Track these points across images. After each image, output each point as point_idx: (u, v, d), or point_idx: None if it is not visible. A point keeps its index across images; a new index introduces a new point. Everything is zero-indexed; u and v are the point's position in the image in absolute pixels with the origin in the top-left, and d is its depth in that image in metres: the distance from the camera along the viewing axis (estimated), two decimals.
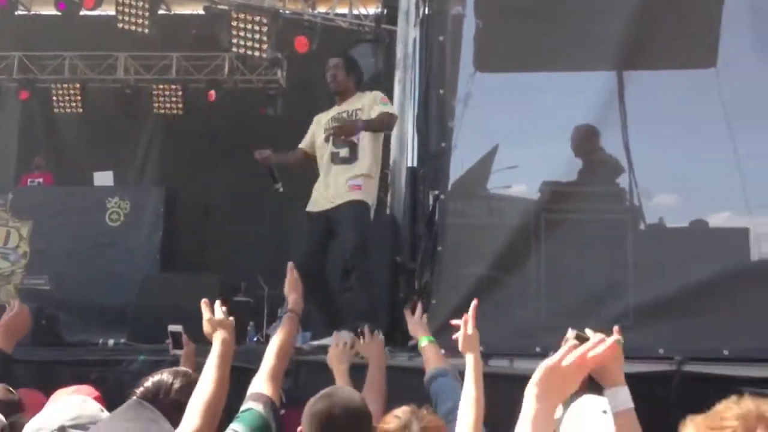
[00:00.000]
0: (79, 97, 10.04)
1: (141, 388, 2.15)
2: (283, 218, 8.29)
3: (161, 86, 10.10)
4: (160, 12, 8.97)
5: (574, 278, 4.47)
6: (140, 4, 8.49)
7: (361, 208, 4.93)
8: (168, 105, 10.11)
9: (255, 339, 6.23)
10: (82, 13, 8.83)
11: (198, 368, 2.35)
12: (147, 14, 8.54)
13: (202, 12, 8.98)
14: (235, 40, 8.85)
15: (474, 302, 2.83)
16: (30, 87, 10.06)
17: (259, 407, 2.18)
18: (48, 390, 3.13)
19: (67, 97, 10.05)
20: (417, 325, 3.40)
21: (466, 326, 2.73)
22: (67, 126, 9.88)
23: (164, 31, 9.01)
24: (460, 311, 4.54)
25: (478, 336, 2.70)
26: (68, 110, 10.03)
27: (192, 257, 8.09)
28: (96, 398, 2.38)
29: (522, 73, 5.36)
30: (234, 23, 8.57)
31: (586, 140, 4.80)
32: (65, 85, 10.03)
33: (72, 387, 2.72)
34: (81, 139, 9.53)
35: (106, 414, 1.94)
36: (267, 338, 6.41)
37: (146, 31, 8.69)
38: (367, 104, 5.04)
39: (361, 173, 4.94)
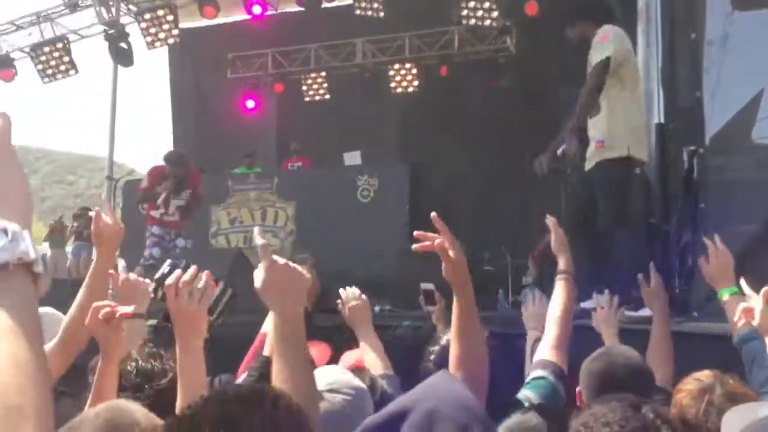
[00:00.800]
0: (325, 85, 10.84)
1: (433, 356, 2.23)
2: (526, 190, 8.25)
3: (396, 66, 10.52)
4: None
5: None
6: None
7: (609, 167, 4.65)
8: (404, 84, 10.51)
9: (505, 306, 6.33)
10: (323, 5, 9.48)
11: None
12: None
13: None
14: (464, 12, 8.93)
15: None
16: (283, 79, 11.05)
17: (549, 375, 2.19)
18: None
19: (315, 86, 10.89)
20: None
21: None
22: (317, 112, 10.68)
23: (396, 13, 9.35)
24: None
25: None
26: (317, 97, 10.86)
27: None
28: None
29: None
30: None
31: None
32: (312, 75, 10.87)
33: (354, 352, 2.92)
34: (330, 123, 10.25)
35: (358, 382, 2.07)
36: (514, 304, 6.47)
37: (381, 15, 9.09)
38: (592, 55, 4.68)
39: (602, 127, 4.65)
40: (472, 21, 9.04)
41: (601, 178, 4.67)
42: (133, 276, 2.18)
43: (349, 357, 2.85)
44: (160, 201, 7.04)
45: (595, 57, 4.62)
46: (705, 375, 2.04)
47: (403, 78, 10.54)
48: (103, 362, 1.88)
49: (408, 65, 10.51)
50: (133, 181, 10.60)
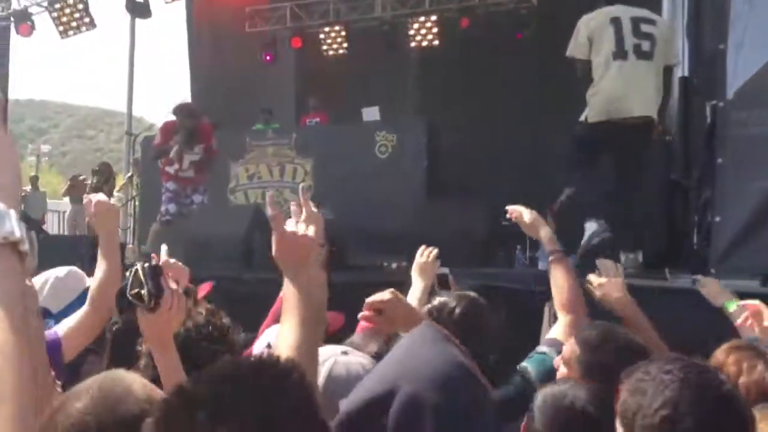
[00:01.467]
0: (344, 39, 10.71)
1: (427, 306, 2.26)
2: (545, 143, 8.19)
3: (416, 19, 10.36)
4: None
5: None
6: None
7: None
8: (424, 37, 10.36)
9: (523, 262, 6.34)
10: None
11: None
12: None
13: None
14: None
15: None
16: (301, 33, 10.93)
17: (553, 353, 2.20)
18: (344, 309, 3.50)
19: (333, 40, 10.77)
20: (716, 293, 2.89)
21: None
22: (336, 67, 10.59)
23: None
24: (749, 228, 4.22)
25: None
26: (335, 52, 10.75)
27: (456, 184, 8.36)
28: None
29: None
30: None
31: None
32: (331, 28, 10.74)
33: None
34: (348, 77, 10.17)
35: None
36: (532, 260, 6.48)
37: None
38: None
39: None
40: None
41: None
42: (173, 261, 2.18)
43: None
44: (172, 155, 7.06)
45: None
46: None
47: (423, 32, 10.38)
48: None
49: (428, 18, 10.35)
50: (152, 136, 10.63)
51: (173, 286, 1.68)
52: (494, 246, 6.40)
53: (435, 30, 10.29)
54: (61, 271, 2.71)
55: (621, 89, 5.01)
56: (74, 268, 2.77)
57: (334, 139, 8.62)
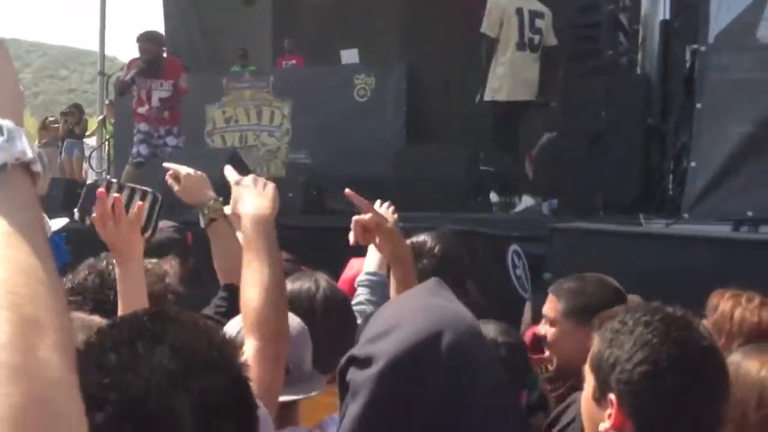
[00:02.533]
0: None
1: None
2: None
3: None
4: None
5: None
6: None
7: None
8: None
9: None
10: None
11: None
12: None
13: None
14: None
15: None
16: None
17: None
18: (325, 254, 3.50)
19: None
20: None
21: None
22: (313, 7, 10.35)
23: None
24: (724, 174, 4.26)
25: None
26: None
27: (436, 129, 8.31)
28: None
29: None
30: None
31: None
32: None
33: (360, 261, 2.88)
34: (327, 18, 9.95)
35: None
36: (509, 206, 6.52)
37: None
38: None
39: None
40: None
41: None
42: (192, 170, 2.16)
43: (354, 264, 2.84)
44: (128, 78, 6.93)
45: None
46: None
47: None
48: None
49: None
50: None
51: (138, 204, 1.67)
52: (472, 191, 6.43)
53: None
54: None
55: (518, 77, 6.14)
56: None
57: (312, 81, 8.49)
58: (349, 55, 8.67)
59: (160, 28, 11.69)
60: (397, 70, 8.18)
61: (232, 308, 1.88)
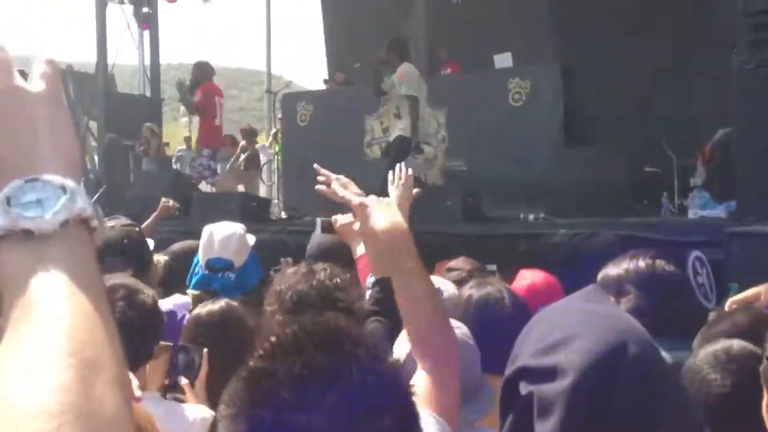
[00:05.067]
0: None
1: (601, 274, 2.13)
2: (693, 82, 7.69)
3: None
4: None
5: None
6: None
7: None
8: None
9: (670, 210, 6.03)
10: None
11: None
12: None
13: None
14: None
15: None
16: None
17: None
18: (484, 262, 3.49)
19: None
20: None
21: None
22: (465, 14, 10.36)
23: None
24: None
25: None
26: None
27: (595, 131, 8.03)
28: (551, 284, 2.60)
29: None
30: None
31: None
32: None
33: (531, 272, 2.85)
34: (479, 24, 9.92)
35: None
36: (680, 208, 6.15)
37: None
38: None
39: None
40: None
41: None
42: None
43: (526, 274, 2.83)
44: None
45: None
46: None
47: None
48: None
49: None
50: (291, 93, 10.97)
51: None
52: (640, 193, 6.13)
53: None
54: (233, 226, 2.92)
55: None
56: (242, 225, 2.98)
57: (466, 88, 8.49)
58: (502, 60, 8.58)
59: (321, 44, 12.24)
60: (552, 72, 7.99)
61: (388, 302, 1.89)
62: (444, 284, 2.29)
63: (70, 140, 0.68)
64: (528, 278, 2.72)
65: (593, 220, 4.73)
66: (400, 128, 6.85)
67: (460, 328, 1.70)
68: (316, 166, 2.29)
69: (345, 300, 1.91)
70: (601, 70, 8.61)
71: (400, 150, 6.71)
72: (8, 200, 0.61)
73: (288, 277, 2.03)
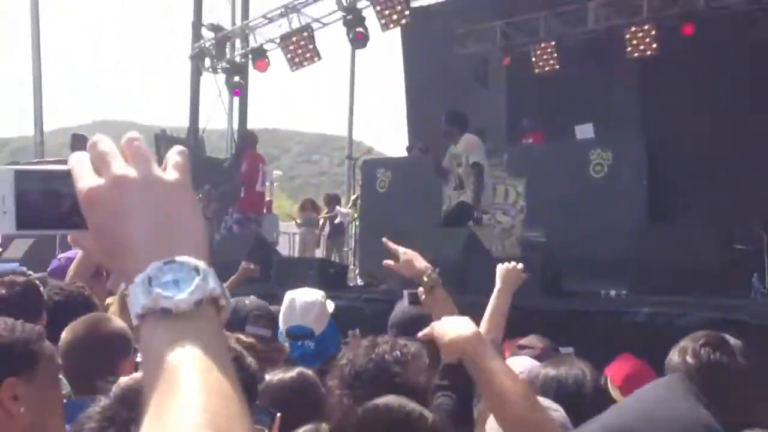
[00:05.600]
0: (555, 55, 10.48)
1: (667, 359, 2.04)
2: None
3: (633, 28, 9.85)
4: None
5: None
6: None
7: None
8: (641, 47, 9.82)
9: (761, 291, 5.72)
10: None
11: None
12: None
13: None
14: None
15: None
16: (511, 52, 10.89)
17: None
18: (563, 339, 3.37)
19: (544, 56, 10.58)
20: None
21: None
22: (547, 84, 10.39)
23: None
24: None
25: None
26: (546, 68, 10.55)
27: (680, 206, 7.79)
28: (640, 369, 2.48)
29: None
30: None
31: None
32: (542, 45, 10.57)
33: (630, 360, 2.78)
34: (561, 94, 9.93)
35: None
36: None
37: None
38: None
39: None
40: None
41: None
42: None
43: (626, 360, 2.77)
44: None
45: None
46: None
47: (640, 40, 9.84)
48: None
49: (646, 26, 9.80)
50: (371, 160, 11.17)
51: None
52: (726, 273, 5.85)
53: (653, 38, 9.70)
54: (313, 293, 2.94)
55: None
56: (322, 292, 3.00)
57: (546, 158, 8.45)
58: (584, 130, 8.52)
59: (402, 110, 12.49)
60: (635, 143, 7.87)
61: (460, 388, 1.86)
62: (523, 362, 2.27)
63: (199, 225, 0.75)
64: (630, 361, 2.65)
65: (679, 300, 4.52)
66: (461, 198, 6.87)
67: (558, 411, 1.68)
68: (384, 240, 2.36)
69: (402, 375, 1.88)
70: (689, 143, 8.41)
71: (461, 216, 6.69)
72: (150, 280, 0.68)
73: (352, 349, 2.03)
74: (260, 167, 9.48)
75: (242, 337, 2.35)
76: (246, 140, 10.10)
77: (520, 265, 2.58)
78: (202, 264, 0.70)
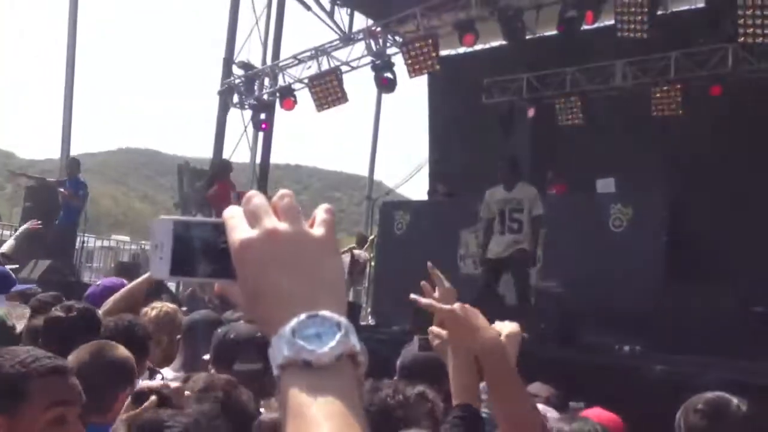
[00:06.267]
0: (580, 108, 10.54)
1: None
2: None
3: (659, 89, 9.90)
4: (658, 13, 8.85)
5: None
6: (639, 9, 8.50)
7: None
8: (666, 106, 9.86)
9: None
10: (582, 28, 9.28)
11: None
12: (646, 18, 8.50)
13: (701, 5, 8.53)
14: (741, 29, 8.18)
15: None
16: (536, 104, 10.97)
17: None
18: (578, 390, 3.34)
19: (569, 110, 10.64)
20: None
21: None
22: (571, 137, 10.43)
23: (662, 31, 8.84)
24: None
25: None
26: (570, 121, 10.60)
27: (700, 265, 7.72)
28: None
29: None
30: (740, 11, 7.92)
31: None
32: (567, 99, 10.64)
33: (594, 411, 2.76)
34: (584, 148, 9.96)
35: None
36: None
37: (645, 35, 8.65)
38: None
39: None
40: (750, 39, 8.22)
41: None
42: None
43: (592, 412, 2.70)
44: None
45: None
46: None
47: (667, 100, 9.87)
48: None
49: (673, 86, 9.84)
50: (390, 201, 11.22)
51: None
52: (744, 335, 5.77)
53: (680, 98, 9.73)
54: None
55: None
56: None
57: (566, 209, 8.43)
58: (605, 184, 8.51)
59: (424, 154, 12.56)
60: (656, 200, 7.84)
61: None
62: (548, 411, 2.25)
63: (341, 281, 0.78)
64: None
65: (696, 359, 4.45)
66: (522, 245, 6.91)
67: None
68: (429, 264, 2.20)
69: (405, 418, 1.86)
70: (710, 202, 8.37)
71: (524, 263, 6.77)
72: (293, 332, 0.70)
73: None
74: (230, 194, 9.73)
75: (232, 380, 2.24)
76: (217, 169, 10.52)
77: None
78: (344, 320, 0.72)
